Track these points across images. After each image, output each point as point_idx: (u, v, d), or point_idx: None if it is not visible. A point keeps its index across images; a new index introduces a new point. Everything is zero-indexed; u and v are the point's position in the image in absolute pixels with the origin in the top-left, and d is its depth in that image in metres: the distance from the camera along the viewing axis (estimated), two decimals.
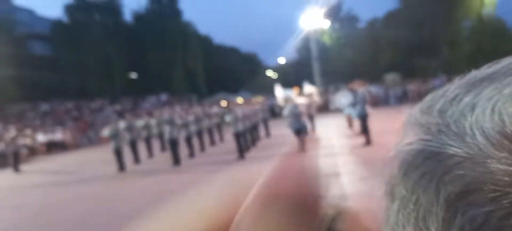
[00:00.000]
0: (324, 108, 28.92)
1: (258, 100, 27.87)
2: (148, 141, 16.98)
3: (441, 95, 0.26)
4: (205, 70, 49.74)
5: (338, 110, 17.19)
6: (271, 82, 48.89)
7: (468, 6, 41.35)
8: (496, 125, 0.19)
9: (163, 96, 42.66)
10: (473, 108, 0.21)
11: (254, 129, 15.80)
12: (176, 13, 47.12)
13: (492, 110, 0.20)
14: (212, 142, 17.43)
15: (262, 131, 17.70)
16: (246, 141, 13.94)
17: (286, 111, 12.12)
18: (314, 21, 36.44)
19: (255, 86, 50.76)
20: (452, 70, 37.42)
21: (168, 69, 44.77)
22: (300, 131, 11.61)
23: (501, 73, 0.24)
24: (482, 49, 39.73)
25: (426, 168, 0.20)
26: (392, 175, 0.25)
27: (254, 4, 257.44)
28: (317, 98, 17.84)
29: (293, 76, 48.42)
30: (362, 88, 12.81)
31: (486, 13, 42.03)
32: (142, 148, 15.95)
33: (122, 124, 15.31)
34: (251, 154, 13.56)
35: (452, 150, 0.20)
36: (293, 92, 29.05)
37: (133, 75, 45.76)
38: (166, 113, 16.40)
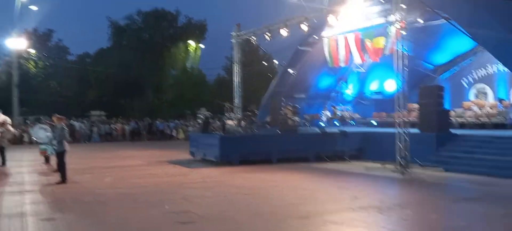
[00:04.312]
0: (19, 140, 26.82)
1: None
2: None
3: None
4: None
5: (37, 143, 16.12)
6: None
7: (175, 58, 44.88)
8: None
9: None
10: None
11: None
12: None
13: None
14: None
15: None
16: None
17: None
18: (18, 45, 33.44)
19: None
20: (156, 113, 39.65)
21: None
22: None
23: None
24: (184, 96, 43.49)
25: None
26: None
27: None
28: (11, 128, 16.31)
29: None
30: (61, 123, 12.29)
31: (190, 66, 46.34)
32: None
33: None
34: None
35: None
36: None
37: None
38: None
